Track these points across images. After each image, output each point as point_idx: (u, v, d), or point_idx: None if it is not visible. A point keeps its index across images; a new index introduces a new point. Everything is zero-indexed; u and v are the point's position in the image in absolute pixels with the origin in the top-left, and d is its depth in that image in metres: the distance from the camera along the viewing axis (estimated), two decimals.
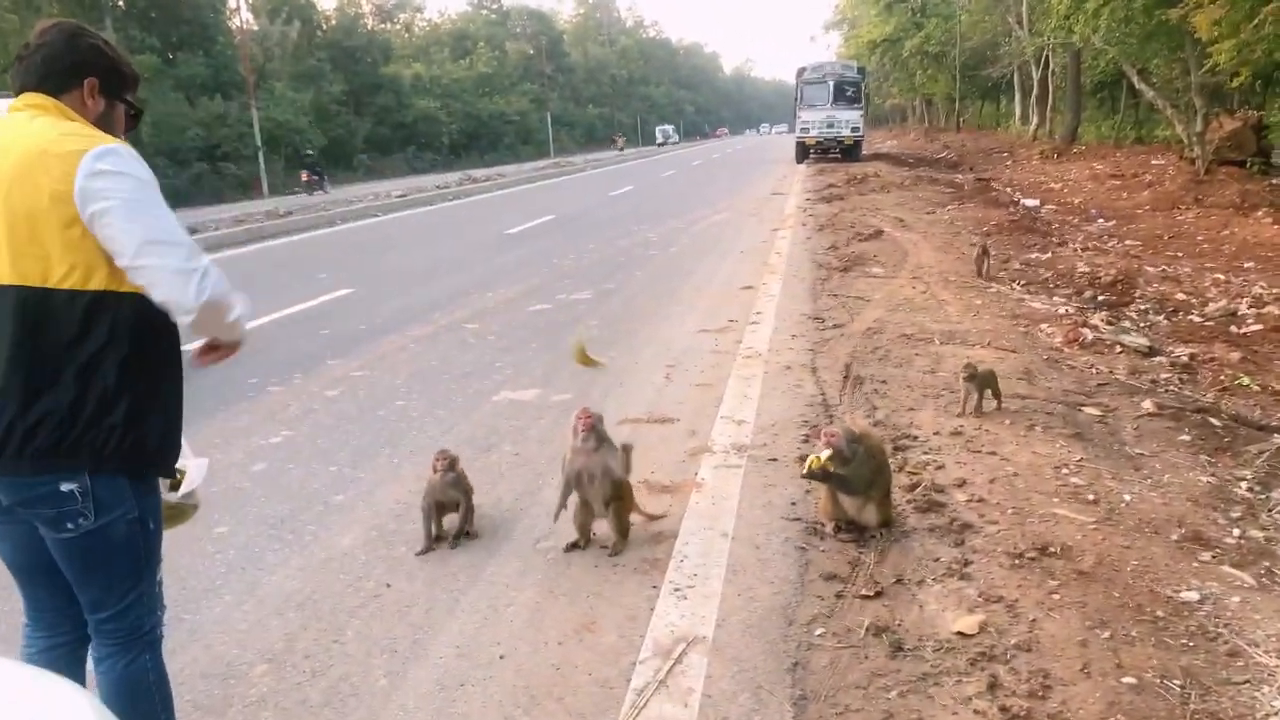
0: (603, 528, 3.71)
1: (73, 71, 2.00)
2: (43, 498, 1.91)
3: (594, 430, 3.61)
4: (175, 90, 42.65)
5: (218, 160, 40.33)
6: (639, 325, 7.75)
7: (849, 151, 29.24)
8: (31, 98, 1.98)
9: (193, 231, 16.80)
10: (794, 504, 3.92)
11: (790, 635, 2.96)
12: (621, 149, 68.17)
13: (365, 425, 5.42)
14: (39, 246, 1.85)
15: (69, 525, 1.94)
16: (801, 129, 30.07)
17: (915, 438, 4.61)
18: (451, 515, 3.82)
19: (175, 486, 2.30)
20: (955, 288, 8.43)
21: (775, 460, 4.45)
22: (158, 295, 1.88)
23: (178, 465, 2.21)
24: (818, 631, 2.96)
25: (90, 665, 2.15)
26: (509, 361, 6.70)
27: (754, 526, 3.74)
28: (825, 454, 3.50)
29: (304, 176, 33.50)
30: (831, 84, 29.44)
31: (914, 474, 4.14)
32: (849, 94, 29.38)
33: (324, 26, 58.16)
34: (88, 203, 1.82)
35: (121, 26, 44.73)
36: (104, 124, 2.05)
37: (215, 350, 2.11)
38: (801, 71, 30.74)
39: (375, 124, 55.05)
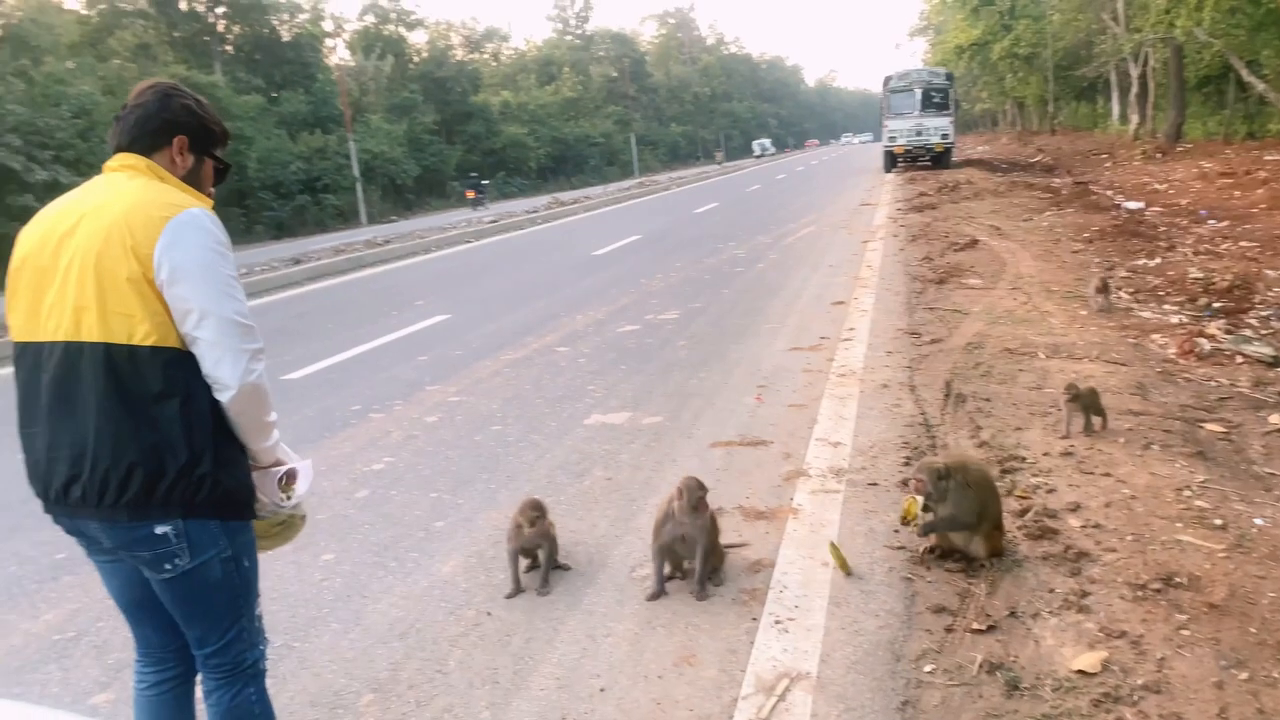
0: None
1: (164, 130, 2.09)
2: (141, 540, 1.98)
3: (703, 502, 3.43)
4: (278, 127, 44.43)
5: (318, 192, 41.81)
6: (728, 345, 7.68)
7: (939, 159, 28.65)
8: (125, 158, 2.07)
9: (296, 262, 17.54)
10: (897, 531, 3.80)
11: (898, 672, 2.85)
12: (721, 162, 72.29)
13: (463, 451, 5.49)
14: (125, 306, 1.91)
15: (167, 566, 2.02)
16: (889, 138, 29.60)
17: (1023, 459, 4.43)
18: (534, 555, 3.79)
19: (286, 489, 2.33)
20: (1058, 298, 8.12)
21: (876, 485, 4.33)
22: (206, 366, 1.95)
23: (287, 465, 2.26)
24: (927, 668, 2.85)
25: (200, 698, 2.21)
26: (600, 384, 6.72)
27: (856, 555, 3.63)
28: (915, 499, 3.41)
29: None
30: (919, 91, 28.92)
31: (1023, 498, 3.97)
32: (937, 100, 28.82)
33: (415, 60, 59.87)
34: (162, 269, 1.90)
35: (230, 69, 46.99)
36: (192, 179, 2.14)
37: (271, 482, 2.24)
38: (888, 80, 30.28)
39: (466, 151, 56.34)
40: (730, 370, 6.84)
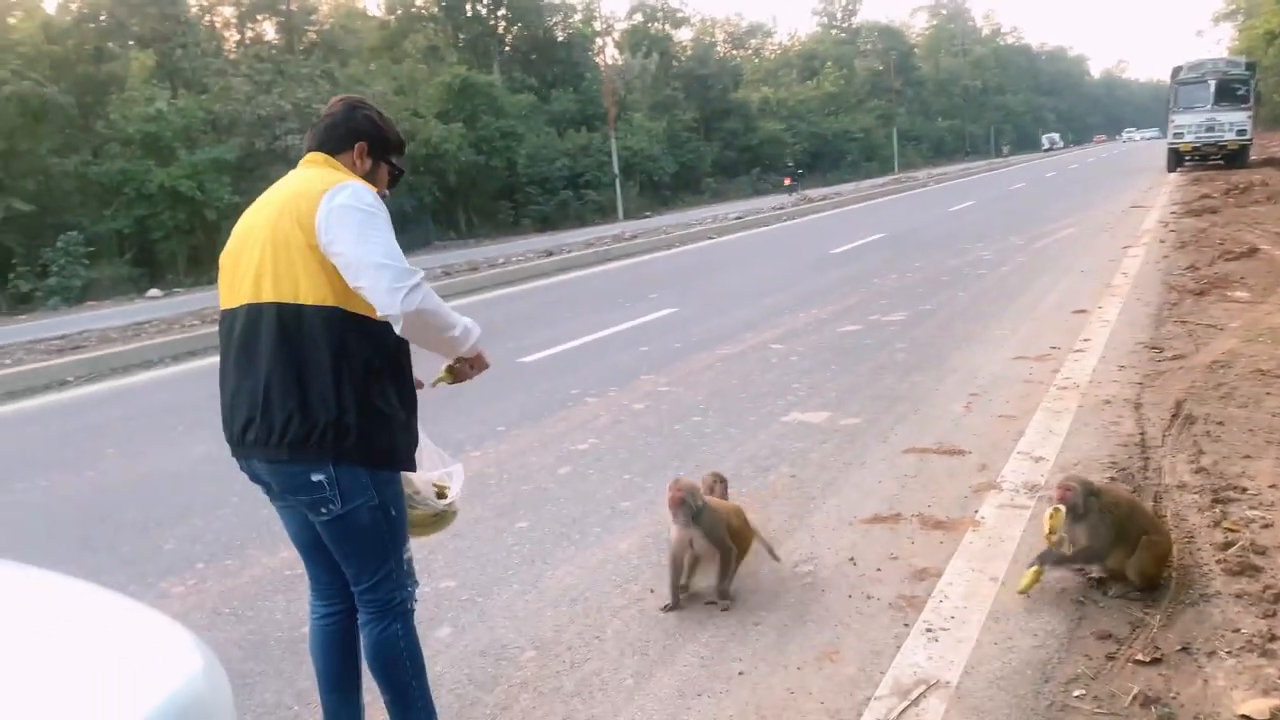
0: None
1: (348, 137, 2.41)
2: (301, 486, 2.28)
3: (684, 504, 3.39)
4: (548, 125, 47.13)
5: (580, 188, 43.98)
6: (950, 350, 7.44)
7: (1233, 157, 25.63)
8: (312, 156, 2.42)
9: (549, 254, 18.69)
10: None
11: (1044, 693, 2.76)
12: (1007, 154, 72.92)
13: (662, 438, 5.75)
14: (292, 269, 2.21)
15: (323, 510, 2.30)
16: (1175, 134, 26.84)
17: (1244, 490, 4.04)
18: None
19: (442, 494, 2.64)
20: None
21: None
22: (378, 310, 2.18)
23: (438, 475, 2.55)
24: (1076, 693, 2.74)
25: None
26: (806, 383, 6.75)
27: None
28: (1059, 509, 3.25)
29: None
30: (1213, 83, 25.98)
31: (1231, 531, 3.64)
32: (1235, 93, 25.76)
33: (680, 58, 61.34)
34: (325, 231, 2.18)
35: (506, 69, 50.46)
36: (369, 179, 2.42)
37: (466, 368, 2.48)
38: (1177, 71, 27.46)
39: (723, 148, 57.10)
40: (945, 376, 6.65)
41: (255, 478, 2.42)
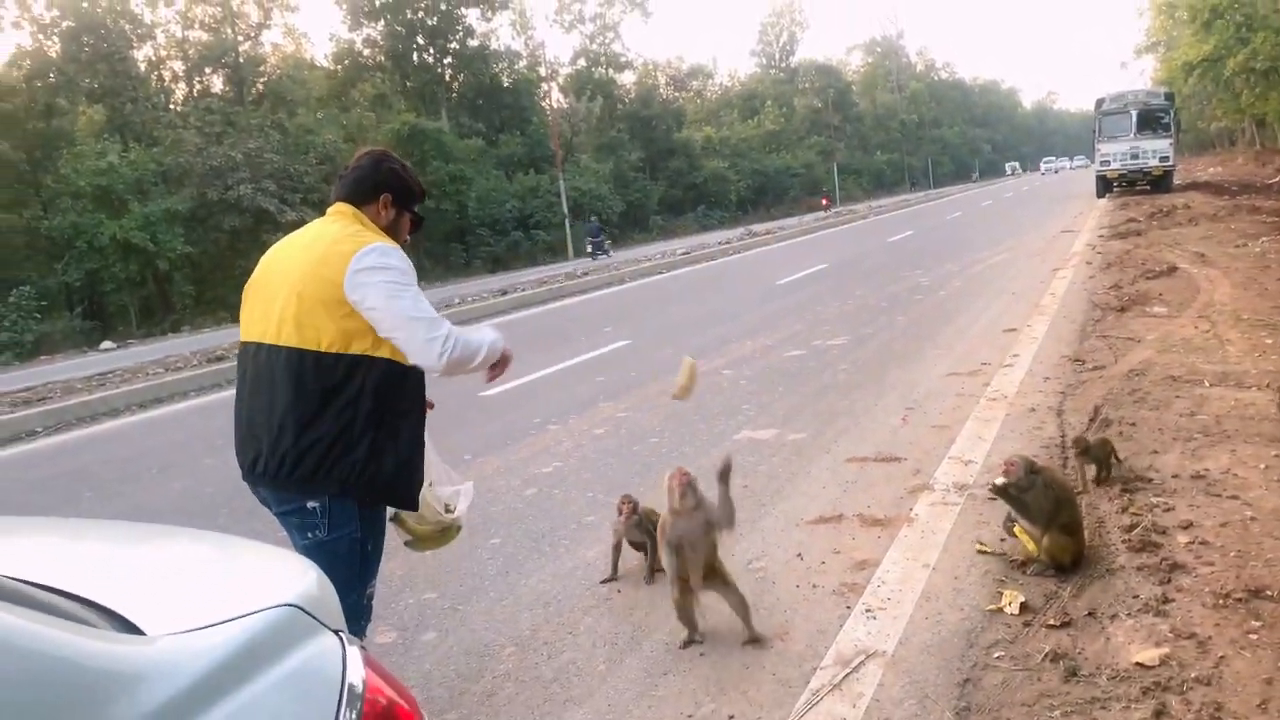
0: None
1: (375, 189, 2.62)
2: (295, 510, 2.48)
3: (690, 487, 3.40)
4: (496, 168, 47.65)
5: (530, 228, 44.49)
6: (889, 369, 7.91)
7: (1158, 183, 26.89)
8: (339, 207, 2.62)
9: (503, 292, 19.00)
10: (1004, 539, 4.01)
11: (968, 656, 3.13)
12: (976, 179, 75.54)
13: (622, 459, 6.09)
14: (316, 320, 2.40)
15: (309, 534, 2.49)
16: (1102, 162, 28.09)
17: (1151, 480, 4.48)
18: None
19: (450, 509, 2.87)
20: (1246, 326, 7.76)
21: (995, 500, 4.52)
22: (411, 360, 2.44)
23: (449, 493, 2.80)
24: (996, 654, 3.11)
25: None
26: (755, 404, 7.15)
27: (958, 559, 3.90)
28: (1002, 481, 3.69)
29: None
30: (1135, 113, 27.30)
31: (1136, 515, 4.07)
32: (1158, 121, 27.09)
33: (624, 100, 62.44)
34: (353, 290, 2.38)
35: (454, 115, 50.96)
36: (392, 228, 2.65)
37: (492, 370, 2.73)
38: (1100, 102, 28.79)
39: (669, 186, 58.12)
40: (884, 393, 7.09)
41: (259, 496, 2.63)
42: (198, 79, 45.07)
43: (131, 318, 30.60)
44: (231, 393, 2.77)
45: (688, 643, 3.45)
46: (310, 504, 2.46)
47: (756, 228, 39.36)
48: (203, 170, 31.71)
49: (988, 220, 27.35)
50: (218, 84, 45.28)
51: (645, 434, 6.64)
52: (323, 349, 2.41)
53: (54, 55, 35.94)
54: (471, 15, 52.35)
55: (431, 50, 51.56)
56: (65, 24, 35.70)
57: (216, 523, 5.08)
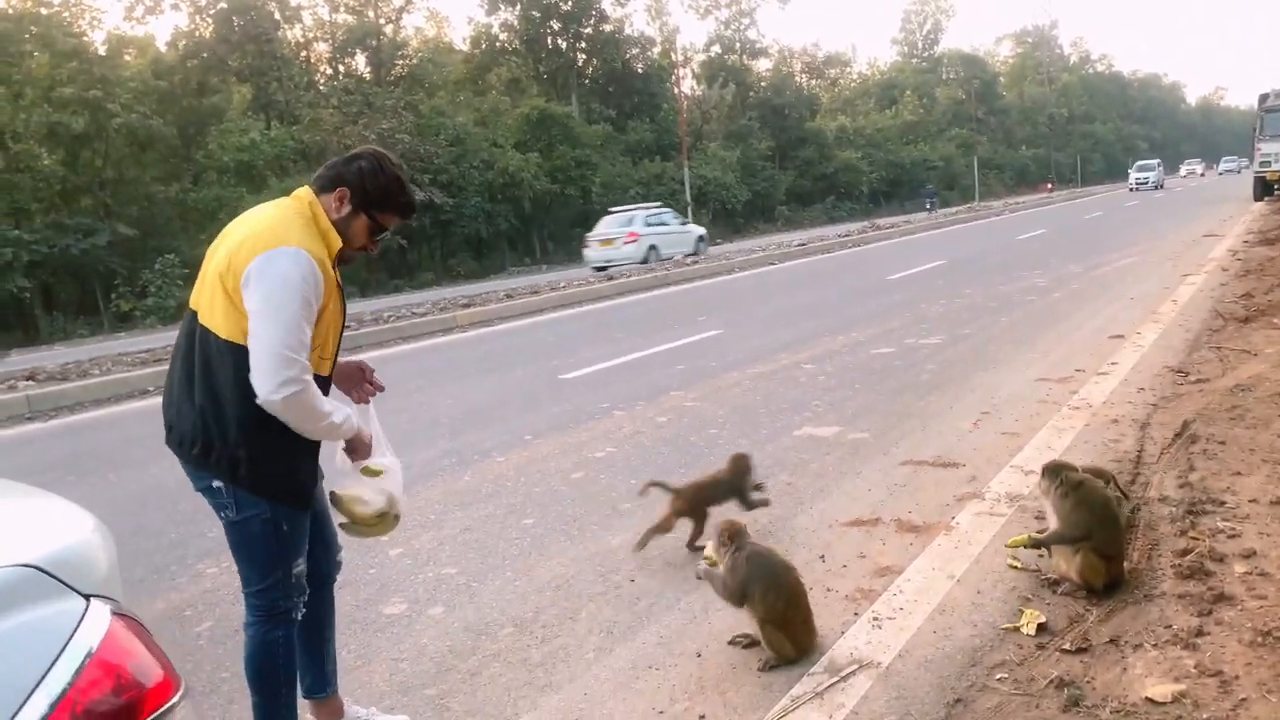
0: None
1: (333, 181, 2.54)
2: (205, 489, 2.48)
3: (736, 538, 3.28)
4: (623, 154, 47.98)
5: None
6: (975, 371, 7.54)
7: None
8: (303, 189, 2.57)
9: (609, 278, 19.10)
10: (1041, 556, 3.75)
11: (967, 675, 2.94)
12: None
13: (676, 448, 6.02)
14: (220, 303, 2.37)
15: (222, 514, 2.49)
16: (1261, 163, 26.00)
17: (1223, 504, 4.11)
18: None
19: (369, 473, 2.70)
20: None
21: (1045, 515, 4.24)
22: (252, 379, 2.32)
23: (374, 463, 2.70)
24: (998, 676, 2.91)
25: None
26: (827, 400, 6.94)
27: (986, 573, 3.67)
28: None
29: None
30: None
31: (1195, 539, 3.74)
32: None
33: (757, 88, 61.75)
34: (245, 288, 2.33)
35: (585, 100, 51.58)
36: (344, 226, 2.54)
37: (352, 454, 2.67)
38: (1264, 98, 26.64)
39: (797, 176, 57.21)
40: (962, 396, 6.76)
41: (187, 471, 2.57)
42: (341, 61, 47.02)
43: None
44: None
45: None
46: (215, 483, 2.45)
47: (881, 221, 38.33)
48: (337, 149, 33.08)
49: (1128, 221, 25.75)
50: (360, 65, 47.13)
51: (706, 425, 6.53)
52: (218, 334, 2.39)
53: (207, 36, 38.14)
54: (605, 0, 52.72)
55: (565, 35, 52.20)
56: (219, 5, 37.80)
57: None
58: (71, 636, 1.15)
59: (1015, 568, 3.69)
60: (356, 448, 2.66)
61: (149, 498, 5.91)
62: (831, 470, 5.24)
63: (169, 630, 3.86)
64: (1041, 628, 3.17)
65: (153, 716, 1.18)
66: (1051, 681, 2.83)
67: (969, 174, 68.09)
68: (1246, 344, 7.45)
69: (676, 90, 54.10)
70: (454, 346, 12.65)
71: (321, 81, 43.98)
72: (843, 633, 3.28)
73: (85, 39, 32.87)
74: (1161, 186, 51.13)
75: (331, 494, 2.72)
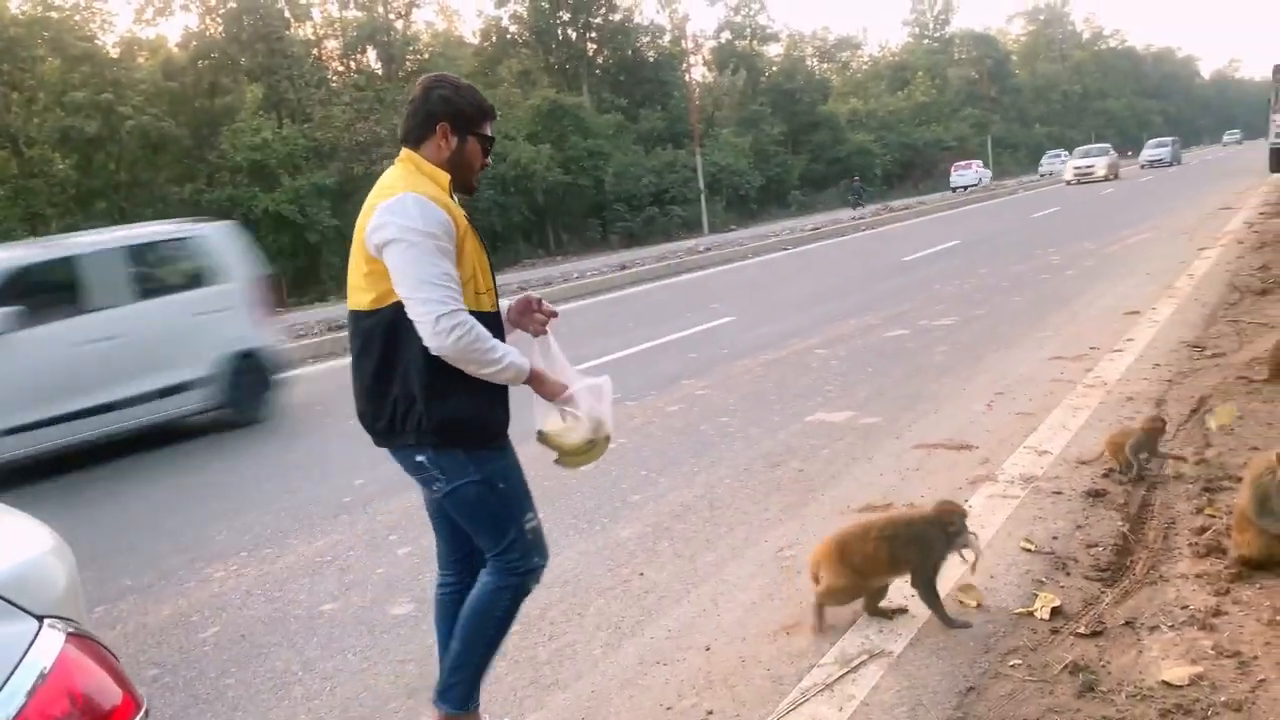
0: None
1: (428, 120, 2.44)
2: (411, 466, 2.46)
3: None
4: (635, 143, 47.76)
5: (665, 203, 44.36)
6: (988, 351, 7.45)
7: None
8: (401, 155, 2.49)
9: (623, 268, 19.05)
10: (1055, 538, 3.70)
11: (980, 662, 2.89)
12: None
13: (686, 437, 5.97)
14: (357, 279, 2.40)
15: (434, 488, 2.48)
16: (1277, 134, 25.56)
17: (1240, 480, 4.02)
18: None
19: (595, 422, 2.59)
20: None
21: (1060, 494, 4.18)
22: (418, 330, 2.31)
23: (585, 392, 2.58)
24: (1012, 662, 2.86)
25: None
26: (839, 385, 6.87)
27: (999, 556, 3.61)
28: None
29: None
30: None
31: (1212, 516, 3.67)
32: None
33: (768, 73, 61.32)
34: (374, 247, 2.32)
35: (596, 90, 51.37)
36: (457, 159, 2.47)
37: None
38: (1278, 69, 26.17)
39: (811, 161, 56.76)
40: (975, 377, 6.68)
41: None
42: (352, 58, 46.98)
43: (283, 288, 32.28)
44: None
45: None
46: (419, 458, 2.43)
47: (894, 203, 38.04)
48: (349, 146, 33.10)
49: (1140, 197, 25.43)
50: (371, 61, 47.07)
51: (717, 413, 6.48)
52: (363, 309, 2.40)
53: (217, 36, 38.19)
54: None
55: (575, 25, 51.98)
56: (229, 4, 37.83)
57: (286, 489, 5.26)
58: (21, 660, 1.12)
59: (1029, 550, 3.63)
60: (546, 385, 2.55)
61: (163, 501, 5.92)
62: (843, 456, 5.18)
63: (175, 637, 3.86)
64: (1056, 611, 3.11)
65: None
66: (1066, 666, 2.77)
67: (983, 153, 67.40)
68: (1264, 317, 7.34)
69: (688, 78, 53.80)
70: None
71: (333, 78, 43.99)
72: (853, 622, 3.23)
73: (96, 42, 33.02)
74: (1178, 162, 50.19)
75: (539, 433, 2.62)
